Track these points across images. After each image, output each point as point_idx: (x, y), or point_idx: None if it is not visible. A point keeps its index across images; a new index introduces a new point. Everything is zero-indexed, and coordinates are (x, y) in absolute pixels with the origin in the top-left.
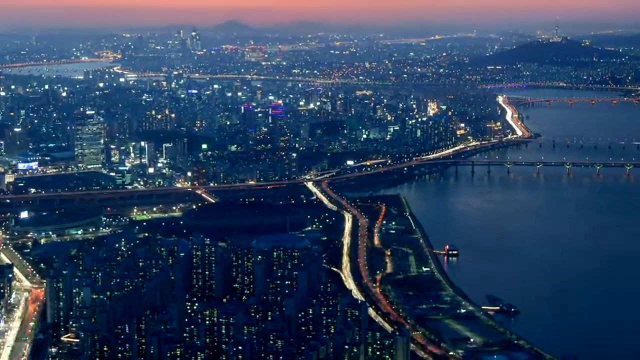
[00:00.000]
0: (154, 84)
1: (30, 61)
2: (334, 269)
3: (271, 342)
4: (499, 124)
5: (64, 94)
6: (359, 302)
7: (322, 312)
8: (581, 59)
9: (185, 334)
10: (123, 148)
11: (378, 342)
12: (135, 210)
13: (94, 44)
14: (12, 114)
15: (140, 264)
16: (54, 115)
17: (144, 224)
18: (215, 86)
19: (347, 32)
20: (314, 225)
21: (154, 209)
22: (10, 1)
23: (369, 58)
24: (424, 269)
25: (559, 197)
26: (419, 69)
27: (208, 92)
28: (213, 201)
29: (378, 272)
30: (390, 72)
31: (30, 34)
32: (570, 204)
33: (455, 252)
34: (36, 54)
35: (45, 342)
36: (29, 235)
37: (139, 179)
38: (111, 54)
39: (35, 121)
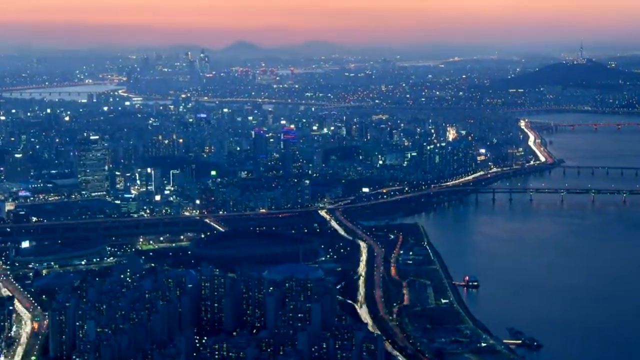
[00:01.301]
0: (161, 107)
1: (32, 84)
2: (349, 301)
3: None
4: (521, 149)
5: (67, 118)
6: (375, 335)
7: (337, 346)
8: (607, 81)
9: None
10: (128, 175)
11: None
12: (141, 239)
13: (98, 65)
14: (12, 139)
15: (147, 295)
16: (57, 140)
17: (150, 253)
18: (225, 110)
19: (362, 53)
20: (328, 255)
21: (161, 238)
22: (10, 20)
23: (385, 81)
24: (443, 301)
25: (584, 225)
26: (437, 92)
27: (217, 117)
28: (222, 230)
29: (395, 304)
30: (408, 96)
31: (31, 55)
32: (595, 233)
33: (475, 283)
34: (38, 77)
35: None
36: (30, 266)
37: (145, 207)
38: (116, 76)
39: (37, 146)
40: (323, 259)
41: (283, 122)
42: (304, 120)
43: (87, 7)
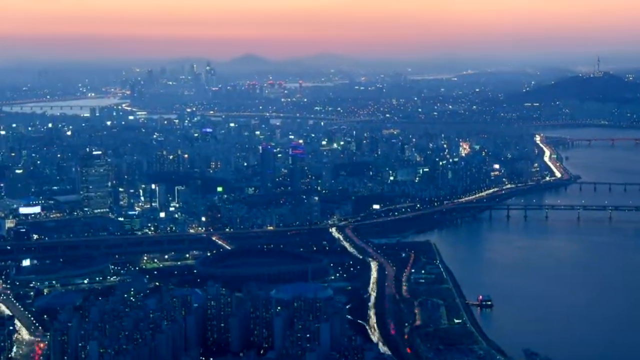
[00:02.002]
0: (166, 122)
1: (33, 98)
2: (359, 321)
3: None
4: (536, 165)
5: (69, 133)
6: (386, 356)
7: None
8: (624, 95)
9: None
10: (132, 191)
11: None
12: (145, 257)
13: (100, 79)
14: (13, 154)
15: (151, 315)
16: (58, 155)
17: (155, 272)
18: (231, 124)
19: (373, 66)
20: (338, 274)
21: (166, 256)
22: (11, 32)
23: (397, 94)
24: (456, 321)
25: (601, 243)
26: (450, 106)
27: (223, 131)
28: (229, 248)
29: (406, 324)
30: (419, 110)
31: (32, 67)
32: (612, 251)
33: (489, 302)
34: (39, 90)
35: None
36: (31, 285)
37: (149, 224)
38: (119, 89)
39: (38, 162)
40: (332, 277)
41: (291, 136)
42: (313, 135)
43: (89, 18)
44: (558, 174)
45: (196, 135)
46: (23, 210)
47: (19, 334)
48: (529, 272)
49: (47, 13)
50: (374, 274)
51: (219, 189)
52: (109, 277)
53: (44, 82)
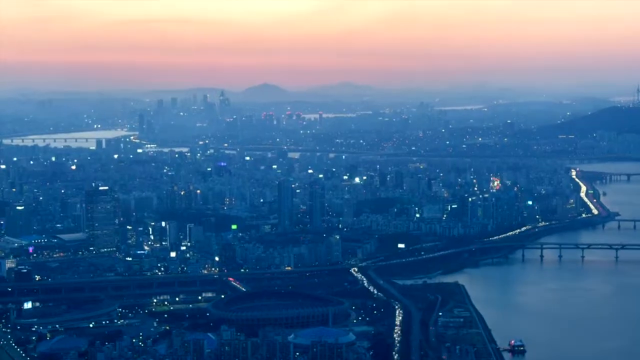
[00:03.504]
0: (177, 155)
1: (35, 129)
2: None
3: None
4: (571, 201)
5: (74, 167)
6: None
7: None
8: None
9: None
10: (141, 229)
11: None
12: (154, 300)
13: (107, 109)
14: (14, 189)
15: None
16: (62, 191)
17: (165, 315)
18: (247, 158)
19: (398, 96)
20: (360, 318)
21: (177, 298)
22: (11, 59)
23: (423, 126)
24: None
25: None
26: (479, 139)
27: (238, 165)
28: (244, 290)
29: None
30: (447, 142)
31: (34, 97)
32: None
33: (521, 347)
34: (42, 121)
35: None
36: (33, 329)
37: (159, 265)
38: (127, 121)
39: (41, 198)
40: (355, 321)
41: (310, 171)
42: (334, 170)
43: (95, 45)
44: (595, 211)
45: (209, 169)
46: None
47: None
48: (564, 316)
49: (49, 39)
50: (398, 318)
51: (234, 226)
52: (116, 321)
53: (47, 112)
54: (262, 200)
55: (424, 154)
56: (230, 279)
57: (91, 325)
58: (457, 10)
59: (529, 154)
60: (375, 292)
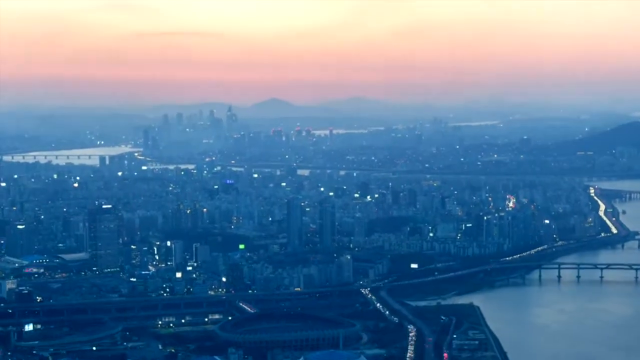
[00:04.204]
0: (182, 172)
1: (36, 146)
2: None
3: None
4: (590, 219)
5: (76, 185)
6: None
7: None
8: None
9: None
10: (145, 249)
11: None
12: (160, 322)
13: (110, 125)
14: (14, 208)
15: None
16: (64, 209)
17: (171, 338)
18: (255, 175)
19: (411, 111)
20: (372, 340)
21: (183, 320)
22: (11, 74)
23: (437, 143)
24: None
25: None
26: (495, 156)
27: (246, 183)
28: (252, 311)
29: None
30: (462, 159)
31: (35, 113)
32: None
33: None
34: (43, 138)
35: None
36: (34, 352)
37: (164, 285)
38: (131, 137)
39: (42, 217)
40: (366, 344)
41: (321, 189)
42: (345, 187)
43: (98, 60)
44: (614, 230)
45: (216, 187)
46: None
47: None
48: (582, 338)
49: (50, 53)
50: (411, 340)
51: (241, 246)
52: (119, 344)
53: (49, 129)
54: (270, 219)
55: (438, 171)
56: (239, 300)
57: (94, 349)
58: (472, 25)
59: (546, 171)
60: (388, 313)
